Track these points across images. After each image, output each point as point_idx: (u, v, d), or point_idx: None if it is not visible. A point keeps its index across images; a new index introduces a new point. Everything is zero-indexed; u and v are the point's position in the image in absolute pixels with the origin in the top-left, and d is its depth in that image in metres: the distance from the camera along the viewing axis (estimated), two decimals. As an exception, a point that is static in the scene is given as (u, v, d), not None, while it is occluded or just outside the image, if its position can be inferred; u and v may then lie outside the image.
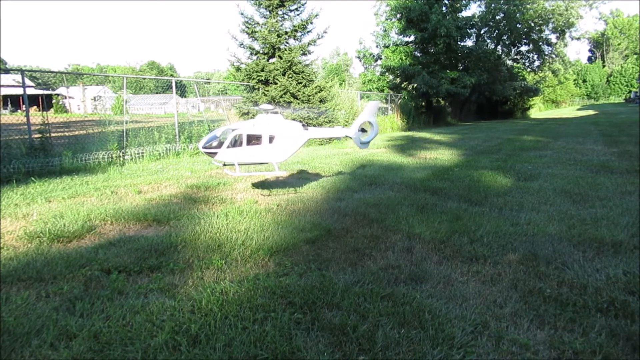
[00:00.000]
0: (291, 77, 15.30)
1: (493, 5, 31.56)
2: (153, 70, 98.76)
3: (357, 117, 6.94)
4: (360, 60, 32.56)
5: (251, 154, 5.88)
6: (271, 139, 5.93)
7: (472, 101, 34.75)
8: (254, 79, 15.34)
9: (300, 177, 7.98)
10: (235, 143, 5.77)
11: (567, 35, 33.79)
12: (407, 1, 27.05)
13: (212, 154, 5.80)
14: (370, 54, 31.49)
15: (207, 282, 3.32)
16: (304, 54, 15.97)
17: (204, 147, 5.82)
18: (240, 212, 5.27)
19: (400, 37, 29.33)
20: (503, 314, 2.83)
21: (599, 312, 2.83)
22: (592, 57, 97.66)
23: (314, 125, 15.59)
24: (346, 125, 17.49)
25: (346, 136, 6.73)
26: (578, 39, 35.30)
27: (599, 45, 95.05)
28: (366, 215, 5.16)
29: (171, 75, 71.06)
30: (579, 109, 55.15)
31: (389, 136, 18.66)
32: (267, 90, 15.27)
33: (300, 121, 6.23)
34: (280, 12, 15.69)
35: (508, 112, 39.41)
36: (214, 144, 5.79)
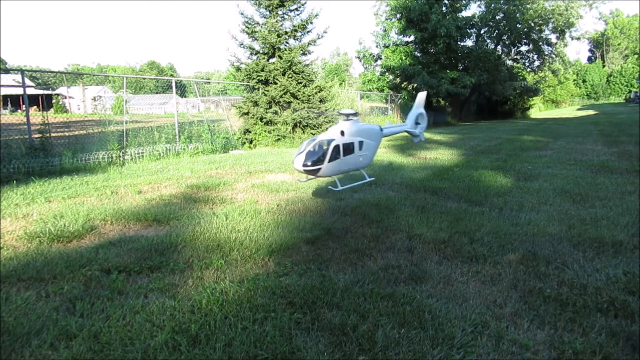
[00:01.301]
0: (291, 77, 15.30)
1: (493, 5, 31.55)
2: (153, 70, 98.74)
3: (412, 110, 6.93)
4: (360, 60, 32.57)
5: (347, 164, 5.52)
6: (361, 144, 5.64)
7: (472, 101, 34.76)
8: (254, 79, 15.34)
9: (300, 177, 7.97)
10: (334, 155, 5.34)
11: (567, 35, 33.79)
12: (407, 1, 27.05)
13: (314, 172, 5.26)
14: (370, 54, 31.49)
15: (207, 282, 3.32)
16: (304, 54, 15.97)
17: (304, 166, 5.26)
18: (240, 212, 5.26)
19: (400, 37, 29.35)
20: (503, 314, 2.83)
21: (599, 312, 2.83)
22: (592, 57, 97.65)
23: (312, 126, 15.60)
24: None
25: (406, 131, 6.73)
26: (578, 39, 35.31)
27: (599, 45, 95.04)
28: (366, 215, 5.16)
29: (171, 75, 71.06)
30: (579, 109, 55.13)
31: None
32: (267, 90, 15.27)
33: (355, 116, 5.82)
34: (280, 12, 15.69)
35: (508, 112, 39.41)
36: (313, 160, 5.25)
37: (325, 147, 5.29)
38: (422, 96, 6.97)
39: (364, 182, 5.96)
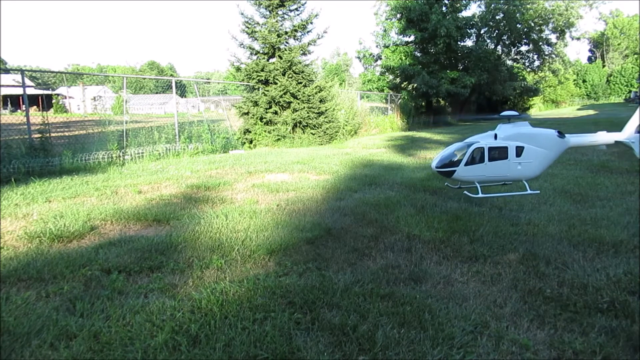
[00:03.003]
0: (291, 77, 15.30)
1: (493, 5, 31.56)
2: (153, 70, 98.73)
3: (632, 118, 5.56)
4: (360, 60, 32.58)
5: (495, 170, 4.94)
6: (519, 150, 4.97)
7: (472, 101, 34.74)
8: (254, 79, 15.34)
9: (300, 177, 7.98)
10: (475, 159, 4.89)
11: (567, 35, 33.81)
12: (407, 1, 27.05)
13: (448, 174, 4.93)
14: (370, 54, 31.50)
15: (207, 282, 3.32)
16: (304, 54, 15.97)
17: (438, 167, 4.95)
18: (240, 212, 5.26)
19: (400, 37, 29.35)
20: (503, 314, 2.83)
21: (599, 312, 2.83)
22: (592, 57, 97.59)
23: (312, 126, 15.59)
24: (346, 124, 17.51)
25: (616, 141, 5.54)
26: (578, 39, 35.34)
27: (599, 45, 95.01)
28: (366, 215, 5.16)
29: (171, 75, 71.06)
30: (579, 109, 55.11)
31: (389, 136, 18.66)
32: (267, 90, 15.27)
33: (558, 131, 5.10)
34: (280, 12, 15.69)
35: (508, 112, 39.32)
36: (451, 161, 4.93)
37: (466, 149, 4.88)
38: None
39: (522, 193, 5.20)
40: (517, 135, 5.02)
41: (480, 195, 4.95)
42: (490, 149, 4.88)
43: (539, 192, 5.93)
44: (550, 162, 5.22)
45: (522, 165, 4.98)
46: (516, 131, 5.05)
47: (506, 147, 4.92)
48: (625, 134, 5.52)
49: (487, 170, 4.89)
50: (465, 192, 5.34)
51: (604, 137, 5.62)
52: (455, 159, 4.88)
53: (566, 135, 5.23)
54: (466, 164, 4.81)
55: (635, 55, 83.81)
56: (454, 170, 4.86)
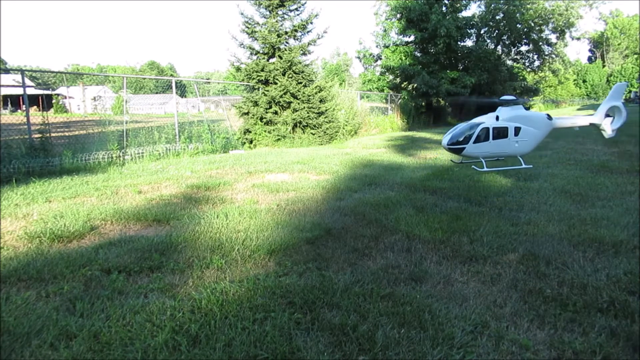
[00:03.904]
0: (291, 77, 15.29)
1: (493, 5, 31.55)
2: (153, 70, 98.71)
3: (602, 104, 6.63)
4: (360, 61, 32.53)
5: (497, 147, 5.88)
6: (517, 130, 5.89)
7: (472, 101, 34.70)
8: (254, 79, 15.34)
9: (301, 177, 7.98)
10: (481, 137, 5.79)
11: (567, 35, 33.79)
12: (407, 1, 27.03)
13: (458, 151, 5.83)
14: (370, 54, 31.46)
15: (207, 282, 3.32)
16: (304, 54, 15.97)
17: (449, 144, 5.83)
18: (240, 212, 5.26)
19: (400, 37, 29.31)
20: (503, 314, 2.83)
21: (599, 312, 2.83)
22: (592, 57, 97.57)
23: (312, 126, 15.60)
24: (346, 124, 17.52)
25: (591, 123, 6.54)
26: (578, 39, 35.34)
27: (599, 45, 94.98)
28: (366, 215, 5.16)
29: (171, 75, 71.09)
30: (579, 109, 55.07)
31: (389, 136, 18.66)
32: (267, 90, 15.27)
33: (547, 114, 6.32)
34: (280, 12, 15.69)
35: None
36: (460, 139, 5.81)
37: (474, 129, 5.72)
38: (619, 87, 6.61)
39: (518, 167, 6.22)
40: (515, 117, 5.92)
41: (485, 169, 5.92)
42: (494, 129, 5.77)
43: (531, 166, 6.93)
44: (540, 140, 6.21)
45: (519, 143, 5.94)
46: (514, 114, 5.95)
47: (507, 128, 5.83)
48: (597, 118, 6.59)
49: (491, 147, 5.82)
50: (473, 167, 6.36)
51: (581, 120, 6.77)
52: (463, 138, 5.76)
53: (552, 117, 6.28)
54: (475, 142, 5.72)
55: (635, 55, 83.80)
56: (464, 148, 5.77)
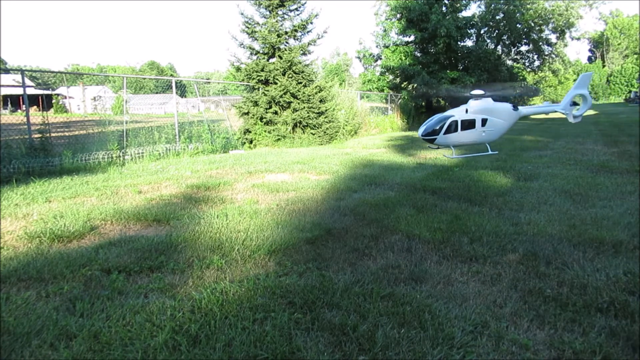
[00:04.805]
0: (291, 77, 15.29)
1: (493, 5, 31.56)
2: (153, 70, 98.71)
3: (568, 93, 7.24)
4: (360, 61, 32.53)
5: (466, 137, 6.50)
6: (484, 121, 6.51)
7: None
8: (254, 79, 15.34)
9: (300, 177, 7.98)
10: (451, 129, 6.40)
11: (567, 35, 33.79)
12: (407, 1, 27.04)
13: (430, 141, 6.51)
14: (370, 54, 31.46)
15: (207, 282, 3.32)
16: (304, 54, 15.97)
17: (423, 135, 6.49)
18: (241, 212, 5.26)
19: (400, 37, 29.32)
20: (503, 314, 2.83)
21: (599, 312, 2.83)
22: (592, 57, 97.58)
23: (312, 126, 15.60)
24: (346, 124, 17.52)
25: (555, 110, 7.23)
26: (578, 39, 35.30)
27: (599, 45, 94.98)
28: (366, 215, 5.16)
29: (171, 75, 71.08)
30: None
31: (389, 136, 18.66)
32: (267, 90, 15.27)
33: (512, 103, 7.09)
34: (280, 12, 15.69)
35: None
36: (433, 130, 6.44)
37: (444, 121, 6.36)
38: (585, 77, 7.19)
39: (484, 154, 6.95)
40: (483, 109, 6.55)
41: (454, 156, 6.86)
42: (462, 121, 6.45)
43: (497, 152, 7.89)
44: (507, 129, 6.95)
45: (486, 132, 6.61)
46: (483, 106, 6.56)
47: (474, 120, 6.49)
48: (561, 106, 7.24)
49: (460, 137, 6.51)
50: (444, 154, 7.49)
51: (547, 108, 7.70)
52: (436, 129, 6.47)
53: (519, 107, 6.96)
54: (445, 133, 6.40)
55: (635, 55, 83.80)
56: (435, 138, 6.47)
